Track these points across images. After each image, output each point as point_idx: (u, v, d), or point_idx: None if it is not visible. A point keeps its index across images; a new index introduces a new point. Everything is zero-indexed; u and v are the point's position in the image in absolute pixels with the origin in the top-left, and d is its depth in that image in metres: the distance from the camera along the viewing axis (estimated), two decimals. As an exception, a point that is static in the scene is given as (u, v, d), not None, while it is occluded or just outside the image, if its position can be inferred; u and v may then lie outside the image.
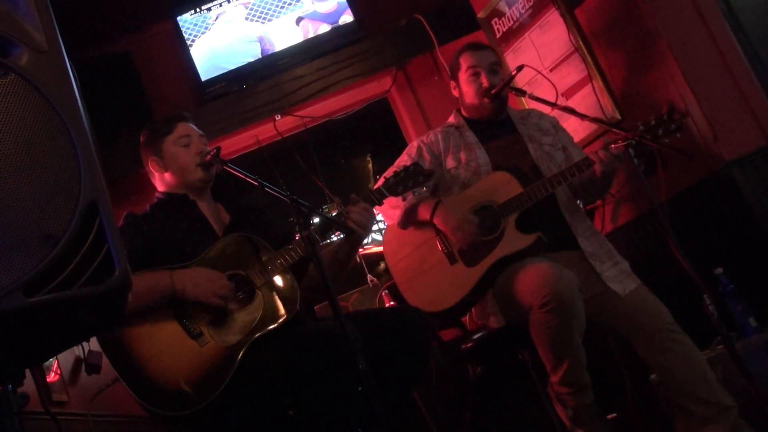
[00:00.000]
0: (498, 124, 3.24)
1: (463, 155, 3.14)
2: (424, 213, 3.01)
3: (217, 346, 2.39)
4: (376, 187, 2.78)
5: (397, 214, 3.05)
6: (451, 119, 3.32)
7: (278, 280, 2.53)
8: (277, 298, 2.50)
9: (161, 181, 2.80)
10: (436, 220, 2.97)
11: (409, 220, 3.06)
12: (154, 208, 2.77)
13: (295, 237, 2.71)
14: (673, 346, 2.76)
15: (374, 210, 3.06)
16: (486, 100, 3.15)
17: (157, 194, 2.82)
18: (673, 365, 2.74)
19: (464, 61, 3.24)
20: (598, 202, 3.71)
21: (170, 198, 2.76)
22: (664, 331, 2.78)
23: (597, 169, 2.85)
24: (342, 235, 2.66)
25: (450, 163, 3.15)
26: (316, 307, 3.89)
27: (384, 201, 2.78)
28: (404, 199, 2.99)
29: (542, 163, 3.08)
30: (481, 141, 3.16)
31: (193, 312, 2.45)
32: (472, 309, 3.09)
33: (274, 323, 2.45)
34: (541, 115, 3.33)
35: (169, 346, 2.38)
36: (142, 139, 2.85)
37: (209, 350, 2.38)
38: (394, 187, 2.75)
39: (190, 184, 2.74)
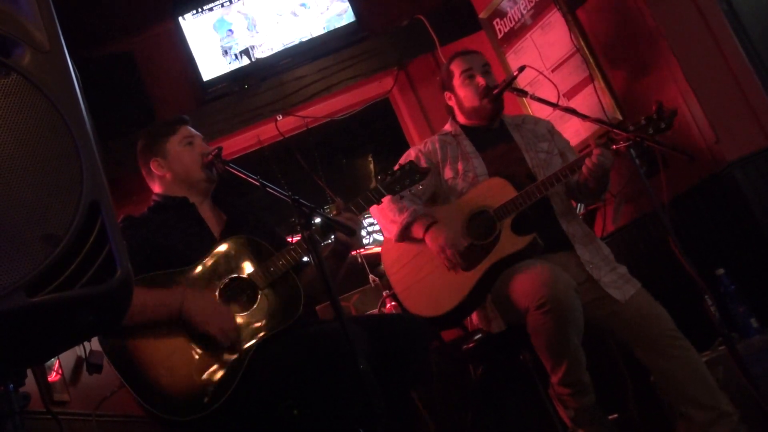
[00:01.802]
0: (494, 132, 3.24)
1: (460, 165, 3.14)
2: (418, 231, 3.02)
3: (222, 352, 2.38)
4: (401, 218, 2.78)
5: (395, 230, 3.06)
6: (448, 127, 3.31)
7: (281, 282, 2.52)
8: (280, 300, 2.49)
9: (161, 183, 2.77)
10: (427, 239, 2.98)
11: (404, 235, 3.07)
12: (153, 211, 2.75)
13: (287, 241, 2.71)
14: (674, 352, 2.75)
15: (375, 211, 3.08)
16: (486, 100, 3.15)
17: (154, 197, 2.79)
18: (675, 370, 2.74)
19: (456, 68, 3.25)
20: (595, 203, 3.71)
21: (169, 201, 2.74)
22: (665, 337, 2.78)
23: (584, 170, 2.86)
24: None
25: (448, 173, 3.15)
26: (317, 308, 3.89)
27: (383, 200, 2.78)
28: (402, 198, 3.00)
29: (539, 171, 3.07)
30: (478, 150, 3.16)
31: None
32: (473, 316, 3.09)
33: (279, 326, 2.43)
34: (536, 120, 3.34)
35: (175, 351, 2.36)
36: (141, 142, 2.83)
37: (214, 356, 2.37)
38: (392, 186, 2.75)
39: (194, 184, 2.73)
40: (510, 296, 2.79)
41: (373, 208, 3.11)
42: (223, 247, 2.58)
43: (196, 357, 2.36)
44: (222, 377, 2.33)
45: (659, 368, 2.78)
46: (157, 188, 2.80)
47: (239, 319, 2.44)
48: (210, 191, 2.78)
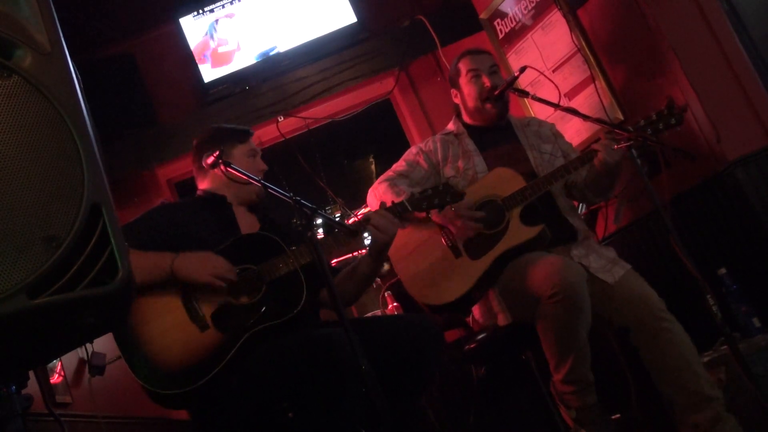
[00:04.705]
0: (498, 130, 3.25)
1: (461, 163, 3.15)
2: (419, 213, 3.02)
3: (216, 333, 2.43)
4: (399, 200, 2.74)
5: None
6: (451, 126, 3.32)
7: (287, 279, 2.55)
8: (282, 295, 2.52)
9: (212, 180, 2.84)
10: (433, 217, 2.98)
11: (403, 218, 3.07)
12: (193, 200, 2.85)
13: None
14: (661, 334, 2.76)
15: (371, 195, 3.09)
16: (488, 105, 3.17)
17: (198, 192, 2.89)
18: (659, 353, 2.74)
19: (464, 66, 3.27)
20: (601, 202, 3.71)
21: (209, 196, 2.83)
22: (653, 318, 2.78)
23: (600, 157, 2.86)
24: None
25: (448, 172, 3.16)
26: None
27: (379, 184, 2.81)
28: (397, 184, 3.01)
29: (541, 171, 3.09)
30: (480, 148, 3.17)
31: (199, 298, 2.49)
32: (475, 311, 3.09)
33: (274, 320, 2.47)
34: (540, 122, 3.36)
35: (171, 328, 2.43)
36: (206, 136, 2.88)
37: (208, 336, 2.43)
38: (419, 203, 2.72)
39: (245, 194, 2.81)
40: (521, 287, 2.79)
41: (370, 193, 3.15)
42: (239, 240, 2.65)
43: (189, 334, 2.42)
44: (208, 357, 2.38)
45: (646, 351, 2.79)
46: (205, 184, 2.87)
47: (240, 307, 2.49)
48: (254, 203, 2.86)
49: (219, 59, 4.53)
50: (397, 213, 2.67)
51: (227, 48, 4.54)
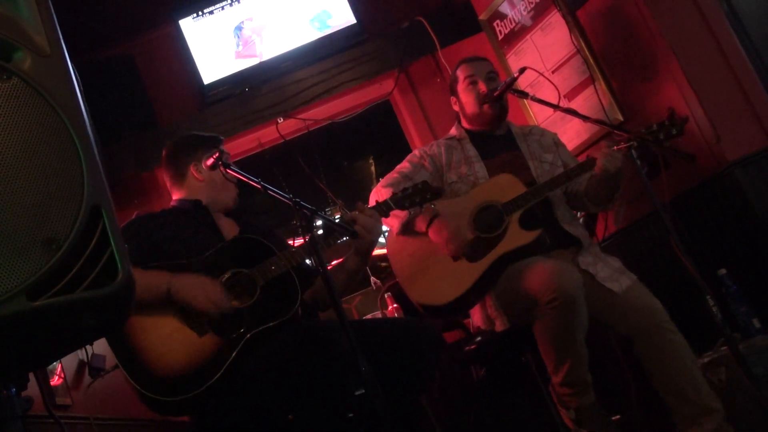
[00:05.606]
0: (499, 138, 3.27)
1: (463, 169, 3.17)
2: (420, 225, 3.04)
3: (215, 337, 2.43)
4: (383, 199, 2.80)
5: (396, 224, 3.08)
6: (453, 131, 3.34)
7: (280, 281, 2.55)
8: (277, 297, 2.52)
9: (189, 186, 2.85)
10: (431, 233, 2.99)
11: (406, 229, 3.09)
12: (170, 209, 2.85)
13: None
14: (665, 345, 2.76)
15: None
16: (486, 106, 3.18)
17: (172, 203, 2.89)
18: (663, 363, 2.75)
19: (461, 73, 3.30)
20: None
21: (184, 203, 2.83)
22: (658, 329, 2.79)
23: (600, 164, 2.87)
24: (345, 239, 2.66)
25: (451, 177, 3.17)
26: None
27: (390, 213, 2.80)
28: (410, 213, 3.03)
29: (542, 180, 3.09)
30: (481, 156, 3.19)
31: None
32: (473, 316, 3.09)
33: (272, 321, 2.47)
34: (543, 131, 3.37)
35: (170, 335, 2.42)
36: (179, 145, 2.91)
37: (207, 341, 2.42)
38: (401, 202, 2.80)
39: (222, 199, 2.84)
40: (518, 292, 2.79)
41: (372, 194, 3.16)
42: (228, 244, 2.66)
43: (188, 341, 2.41)
44: (208, 363, 2.37)
45: (649, 360, 2.79)
46: (180, 193, 2.87)
47: (236, 311, 2.49)
48: (230, 209, 2.89)
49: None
50: (382, 212, 2.74)
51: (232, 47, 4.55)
